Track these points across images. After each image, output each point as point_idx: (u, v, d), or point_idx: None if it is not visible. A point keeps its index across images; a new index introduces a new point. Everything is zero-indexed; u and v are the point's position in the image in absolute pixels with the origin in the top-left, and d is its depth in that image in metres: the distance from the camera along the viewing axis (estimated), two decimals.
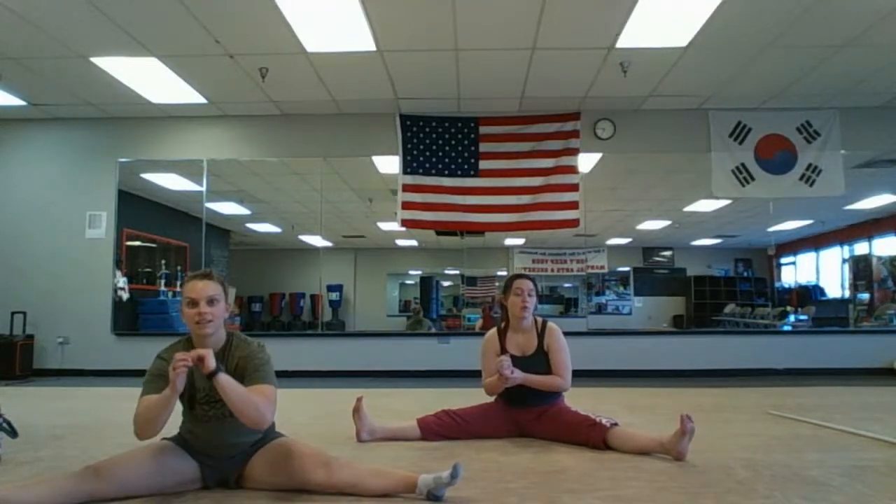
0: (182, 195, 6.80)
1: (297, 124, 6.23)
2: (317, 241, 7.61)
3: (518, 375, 2.70)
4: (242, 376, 1.94)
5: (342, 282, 9.53)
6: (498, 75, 5.22)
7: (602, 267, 8.39)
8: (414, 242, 9.73)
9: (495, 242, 8.43)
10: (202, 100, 5.74)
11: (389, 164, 6.24)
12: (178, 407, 1.95)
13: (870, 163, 6.25)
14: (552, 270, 8.10)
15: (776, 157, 5.98)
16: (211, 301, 1.93)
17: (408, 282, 10.41)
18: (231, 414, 1.91)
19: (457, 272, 9.40)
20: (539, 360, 2.81)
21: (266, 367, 1.98)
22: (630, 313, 9.35)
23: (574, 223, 5.97)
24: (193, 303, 1.92)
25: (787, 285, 8.77)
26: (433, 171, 6.04)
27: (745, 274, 9.21)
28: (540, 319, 2.93)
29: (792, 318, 7.38)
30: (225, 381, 1.83)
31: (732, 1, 3.95)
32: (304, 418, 3.50)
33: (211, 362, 1.81)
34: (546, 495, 1.99)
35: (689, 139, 6.08)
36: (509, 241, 8.46)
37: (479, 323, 8.22)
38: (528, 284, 2.88)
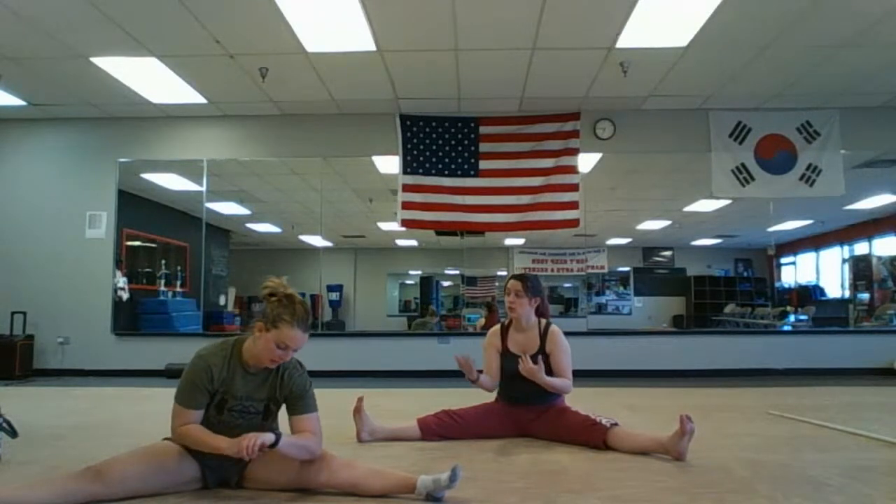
0: (182, 195, 6.80)
1: (297, 124, 6.23)
2: (317, 241, 7.60)
3: (537, 368, 2.64)
4: (287, 400, 2.00)
5: (342, 282, 9.52)
6: (498, 75, 5.22)
7: (602, 267, 8.37)
8: (414, 242, 9.72)
9: (495, 242, 8.42)
10: (202, 100, 5.74)
11: (389, 164, 6.24)
12: None
13: (870, 163, 6.25)
14: (552, 270, 8.09)
15: (776, 157, 5.97)
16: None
17: (408, 282, 10.39)
18: (258, 425, 1.96)
19: (457, 272, 9.39)
20: (539, 361, 2.81)
21: (310, 392, 2.03)
22: (630, 313, 9.34)
23: (574, 223, 5.97)
24: (286, 348, 1.91)
25: (787, 285, 8.75)
26: (433, 171, 6.04)
27: (745, 274, 9.19)
28: (544, 321, 2.93)
29: (792, 318, 7.37)
30: (285, 448, 1.86)
31: (732, 1, 3.95)
32: None
33: (268, 441, 1.79)
34: (546, 495, 1.99)
35: (689, 139, 6.08)
36: (509, 241, 8.45)
37: (479, 322, 8.22)
38: (517, 285, 2.89)
